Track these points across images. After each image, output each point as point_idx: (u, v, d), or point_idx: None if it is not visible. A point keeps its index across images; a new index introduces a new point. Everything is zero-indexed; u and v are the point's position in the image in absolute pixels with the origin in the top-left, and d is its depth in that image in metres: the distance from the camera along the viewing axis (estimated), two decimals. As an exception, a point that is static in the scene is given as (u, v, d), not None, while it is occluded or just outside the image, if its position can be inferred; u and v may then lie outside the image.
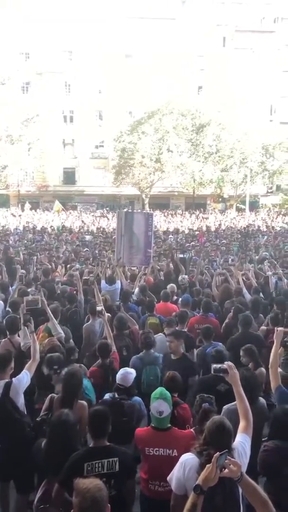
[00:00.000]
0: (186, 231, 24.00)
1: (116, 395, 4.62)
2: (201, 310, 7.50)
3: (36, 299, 6.18)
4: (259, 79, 44.81)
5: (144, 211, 30.36)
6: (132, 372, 4.76)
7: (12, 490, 4.63)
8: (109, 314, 7.14)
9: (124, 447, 4.17)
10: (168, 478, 3.36)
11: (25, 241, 18.75)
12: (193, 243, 18.28)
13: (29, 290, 8.54)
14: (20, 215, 33.01)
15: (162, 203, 44.72)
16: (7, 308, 7.34)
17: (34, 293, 7.76)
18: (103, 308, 6.48)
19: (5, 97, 39.86)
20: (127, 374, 4.68)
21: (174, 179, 41.62)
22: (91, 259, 13.20)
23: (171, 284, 9.19)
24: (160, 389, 4.02)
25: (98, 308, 6.54)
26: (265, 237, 20.67)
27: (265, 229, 25.03)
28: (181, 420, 4.31)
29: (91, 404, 4.59)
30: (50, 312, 6.27)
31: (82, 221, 29.10)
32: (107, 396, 4.69)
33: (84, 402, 4.46)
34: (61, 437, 3.62)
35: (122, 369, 4.80)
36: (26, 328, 5.53)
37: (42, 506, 3.41)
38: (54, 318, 6.23)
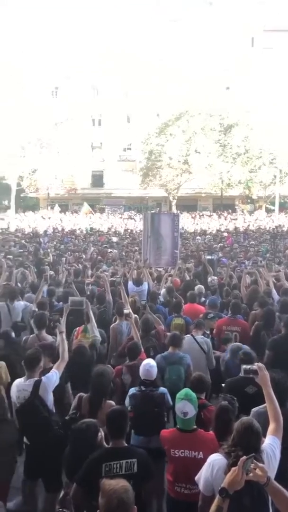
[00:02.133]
0: (214, 233, 23.82)
1: (143, 388, 4.64)
2: (230, 311, 7.41)
3: (81, 300, 6.32)
4: (287, 78, 44.05)
5: (170, 212, 30.33)
6: (153, 365, 4.77)
7: (40, 489, 4.66)
8: (136, 316, 7.17)
9: (156, 437, 4.20)
10: (196, 478, 3.33)
11: (55, 243, 19.03)
12: (221, 244, 18.13)
13: (57, 290, 8.69)
14: (49, 218, 33.51)
15: (189, 204, 44.53)
16: (34, 308, 7.44)
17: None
18: (131, 311, 6.49)
19: (35, 102, 40.61)
20: (150, 368, 4.69)
21: (201, 181, 41.36)
22: (118, 260, 13.28)
23: (199, 286, 9.13)
24: (185, 390, 3.99)
25: (126, 311, 6.55)
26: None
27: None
28: (208, 422, 4.25)
29: None
30: (91, 314, 6.34)
31: (111, 224, 29.29)
32: (133, 390, 4.69)
33: (112, 402, 4.47)
34: (82, 445, 3.63)
35: (144, 364, 4.79)
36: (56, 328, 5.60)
37: (61, 509, 3.43)
38: (93, 320, 6.30)
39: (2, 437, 4.07)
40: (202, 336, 6.36)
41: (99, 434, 3.63)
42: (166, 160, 39.38)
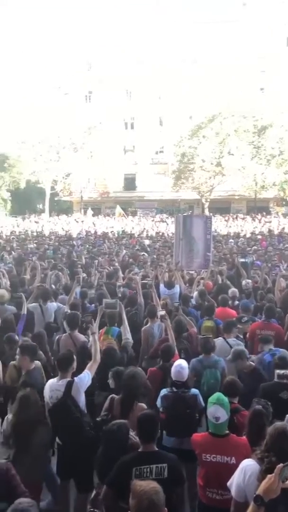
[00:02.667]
0: (248, 235, 23.49)
1: (174, 389, 4.62)
2: (264, 315, 7.28)
3: (115, 302, 6.38)
4: None
5: (202, 215, 30.14)
6: (185, 366, 4.74)
7: (72, 489, 4.70)
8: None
9: (188, 439, 4.17)
10: (228, 483, 3.27)
11: (87, 246, 19.25)
12: (255, 247, 17.86)
13: (89, 292, 8.77)
14: (82, 221, 33.95)
15: (222, 207, 44.11)
16: (67, 310, 7.53)
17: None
18: (166, 313, 6.47)
19: (69, 107, 41.34)
20: (181, 369, 4.67)
21: (235, 183, 40.93)
22: (149, 263, 13.29)
23: (233, 289, 9.02)
24: (217, 394, 3.94)
25: (161, 313, 6.52)
26: None
27: None
28: (241, 427, 4.17)
29: None
30: (124, 316, 6.38)
31: (143, 227, 29.38)
32: (165, 391, 4.67)
33: (144, 405, 4.46)
34: (113, 447, 3.64)
35: (175, 365, 4.76)
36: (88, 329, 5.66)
37: (92, 509, 3.45)
38: (126, 322, 6.33)
39: (37, 438, 4.14)
40: (235, 339, 6.27)
41: (131, 437, 3.63)
42: (199, 163, 39.20)
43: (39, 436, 4.16)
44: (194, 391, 4.73)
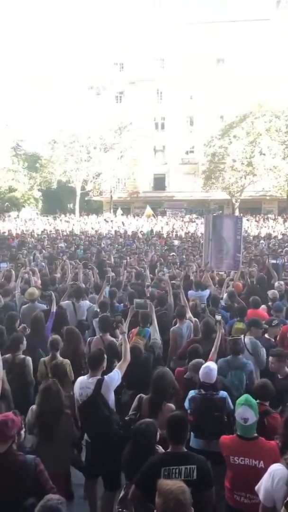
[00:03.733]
0: (280, 237, 23.11)
1: (203, 391, 4.58)
2: (294, 318, 7.17)
3: (146, 303, 6.42)
4: None
5: (232, 215, 29.83)
6: (214, 368, 4.69)
7: (100, 487, 4.73)
8: (196, 319, 7.13)
9: (216, 442, 4.12)
10: (256, 488, 3.24)
11: (116, 245, 19.37)
12: (286, 249, 17.55)
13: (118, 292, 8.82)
14: (112, 221, 34.18)
15: (253, 207, 43.54)
16: (96, 309, 7.61)
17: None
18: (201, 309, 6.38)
19: (100, 107, 41.69)
20: (209, 370, 4.62)
21: (266, 183, 40.29)
22: (178, 263, 13.25)
23: (273, 291, 8.87)
24: (245, 396, 3.90)
25: (218, 317, 6.38)
26: None
27: None
28: (271, 430, 4.11)
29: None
30: (154, 316, 6.41)
31: (172, 227, 29.32)
32: (192, 393, 4.65)
33: (172, 406, 4.45)
34: (142, 446, 3.65)
35: (204, 366, 4.74)
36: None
37: (120, 509, 3.46)
38: (155, 323, 6.36)
39: (61, 428, 4.19)
40: (252, 337, 6.18)
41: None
42: (229, 163, 38.79)
43: (62, 426, 4.20)
44: (223, 393, 4.68)
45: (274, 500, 3.01)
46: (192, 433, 3.60)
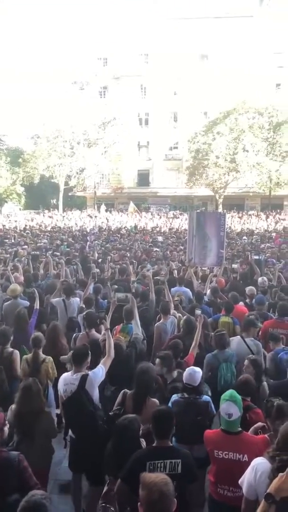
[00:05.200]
0: (261, 233, 23.35)
1: (186, 395, 4.57)
2: (277, 313, 7.24)
3: (127, 297, 6.40)
4: None
5: (216, 211, 30.01)
6: (199, 371, 4.68)
7: (84, 482, 4.75)
8: (180, 315, 7.17)
9: (198, 447, 4.16)
10: (239, 481, 3.28)
11: (101, 241, 19.32)
12: (268, 244, 17.74)
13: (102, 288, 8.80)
14: (96, 216, 34.06)
15: (236, 204, 43.88)
16: (82, 305, 7.60)
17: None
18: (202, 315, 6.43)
19: (84, 102, 41.43)
20: (194, 373, 4.61)
21: (249, 179, 40.66)
22: (162, 259, 13.28)
23: (251, 287, 8.97)
24: (230, 391, 3.93)
25: (198, 311, 6.47)
26: None
27: None
28: (253, 425, 4.18)
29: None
30: (136, 311, 6.42)
31: (156, 223, 29.37)
32: (175, 396, 4.64)
33: (156, 400, 4.48)
34: (122, 441, 3.67)
35: (188, 368, 4.76)
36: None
37: (104, 505, 3.47)
38: (137, 318, 6.37)
39: (40, 427, 4.19)
40: (252, 339, 6.24)
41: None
42: (213, 159, 38.98)
43: (41, 425, 4.22)
44: (206, 397, 4.64)
45: (257, 493, 3.05)
46: (173, 437, 3.61)
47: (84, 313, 6.78)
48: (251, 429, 3.88)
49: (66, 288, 8.16)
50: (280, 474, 2.52)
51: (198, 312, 6.41)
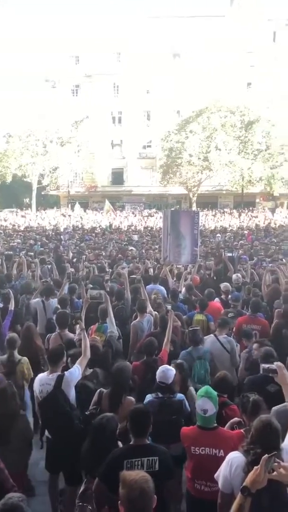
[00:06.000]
0: (235, 230, 23.66)
1: (160, 394, 4.59)
2: (250, 310, 7.37)
3: (101, 294, 6.38)
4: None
5: (190, 210, 30.24)
6: (172, 369, 4.72)
7: (62, 482, 4.73)
8: (156, 312, 7.20)
9: (174, 445, 4.19)
10: (215, 475, 3.33)
11: (75, 240, 19.19)
12: (241, 242, 17.99)
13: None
14: (70, 215, 33.80)
15: (210, 202, 44.30)
16: (56, 305, 7.55)
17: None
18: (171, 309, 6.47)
19: (56, 100, 41.01)
20: (167, 371, 4.64)
21: (222, 178, 41.10)
22: (137, 258, 13.31)
23: (225, 283, 9.08)
24: (205, 387, 3.98)
25: (168, 307, 6.50)
26: None
27: None
28: (229, 421, 4.24)
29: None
30: (110, 309, 6.42)
31: (131, 222, 29.37)
32: (149, 397, 4.65)
33: (132, 398, 4.50)
34: (100, 440, 3.67)
35: (162, 366, 4.79)
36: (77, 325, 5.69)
37: (81, 504, 3.47)
38: (112, 315, 6.36)
39: (16, 430, 4.16)
40: (225, 336, 6.33)
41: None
42: (186, 157, 39.24)
43: (18, 428, 4.19)
44: (180, 396, 4.68)
45: (232, 487, 3.10)
46: (149, 437, 3.64)
47: (57, 313, 6.75)
48: (227, 424, 3.94)
49: (46, 288, 8.09)
50: (255, 467, 2.58)
51: (168, 307, 6.45)
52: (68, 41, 44.64)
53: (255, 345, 5.62)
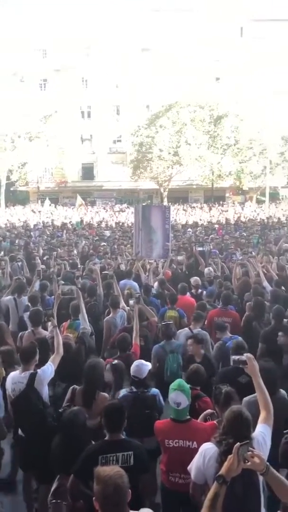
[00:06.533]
0: (205, 224, 23.88)
1: (134, 389, 4.62)
2: (221, 302, 7.48)
3: (72, 290, 6.34)
4: (277, 68, 44.00)
5: (161, 205, 30.34)
6: (146, 364, 4.75)
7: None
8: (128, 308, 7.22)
9: (148, 439, 4.22)
10: (188, 467, 3.38)
11: (45, 237, 18.95)
12: (212, 236, 18.18)
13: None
14: (39, 211, 33.34)
15: (181, 196, 44.51)
16: (27, 303, 7.46)
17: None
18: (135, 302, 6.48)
19: (24, 95, 40.26)
20: (141, 365, 4.67)
21: (192, 172, 41.37)
22: (109, 253, 13.28)
23: (196, 278, 9.17)
24: (178, 381, 4.03)
25: (131, 302, 6.53)
26: (286, 228, 20.41)
27: (285, 221, 24.72)
28: (202, 413, 4.30)
29: None
30: (82, 305, 6.39)
31: (102, 217, 29.22)
32: (124, 391, 4.68)
33: (106, 394, 4.51)
34: (69, 435, 3.67)
35: (136, 361, 4.82)
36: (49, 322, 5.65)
37: (54, 501, 3.46)
38: (84, 311, 6.32)
39: None
40: (199, 330, 6.41)
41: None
42: (157, 152, 39.28)
43: None
44: (154, 391, 4.71)
45: (205, 477, 3.15)
46: (124, 432, 3.67)
47: (29, 311, 6.68)
48: (200, 416, 4.00)
49: (18, 286, 7.97)
50: (229, 456, 2.63)
51: (131, 302, 6.48)
52: (35, 35, 43.83)
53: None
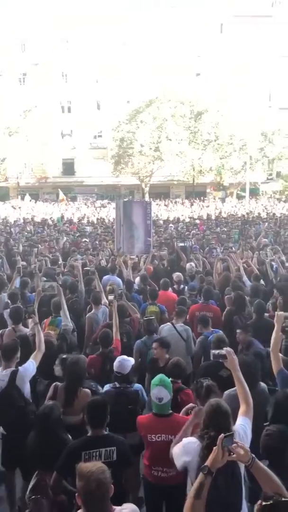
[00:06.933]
0: (187, 220, 23.96)
1: (117, 384, 4.63)
2: (202, 297, 7.53)
3: (53, 286, 6.30)
4: (257, 65, 44.36)
5: (142, 200, 30.34)
6: (129, 359, 4.77)
7: (18, 479, 4.68)
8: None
9: (131, 435, 4.25)
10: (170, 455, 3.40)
11: (26, 233, 18.74)
12: (193, 231, 18.25)
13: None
14: (20, 207, 32.95)
15: (162, 192, 44.57)
16: (6, 300, 7.38)
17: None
18: (115, 296, 6.47)
19: (2, 89, 39.67)
20: (124, 361, 4.69)
21: (173, 168, 41.43)
22: (91, 249, 13.22)
23: (178, 273, 9.20)
24: (160, 376, 4.06)
25: (110, 297, 6.53)
26: (266, 223, 20.62)
27: (265, 216, 24.98)
28: (184, 405, 4.33)
29: None
30: (63, 301, 6.37)
31: (83, 213, 29.06)
32: (107, 386, 4.70)
33: (88, 391, 4.51)
34: (45, 429, 3.67)
35: (119, 356, 4.84)
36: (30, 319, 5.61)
37: (33, 497, 3.45)
38: (66, 308, 6.31)
39: None
40: (182, 324, 6.46)
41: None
42: (138, 148, 39.21)
43: None
44: (137, 386, 4.75)
45: (188, 470, 3.19)
46: (107, 427, 3.68)
47: (10, 307, 6.62)
48: (182, 410, 4.04)
49: None
50: (214, 448, 2.66)
51: (110, 297, 6.49)
52: (13, 28, 43.15)
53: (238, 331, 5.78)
